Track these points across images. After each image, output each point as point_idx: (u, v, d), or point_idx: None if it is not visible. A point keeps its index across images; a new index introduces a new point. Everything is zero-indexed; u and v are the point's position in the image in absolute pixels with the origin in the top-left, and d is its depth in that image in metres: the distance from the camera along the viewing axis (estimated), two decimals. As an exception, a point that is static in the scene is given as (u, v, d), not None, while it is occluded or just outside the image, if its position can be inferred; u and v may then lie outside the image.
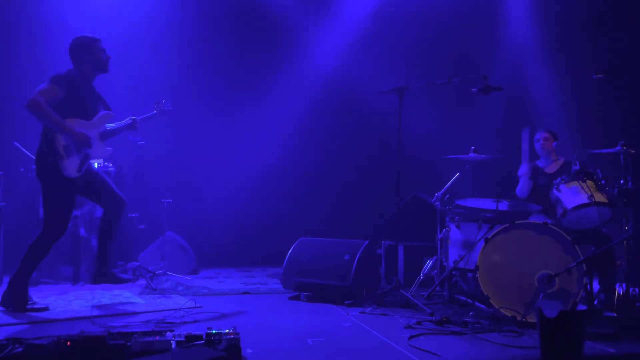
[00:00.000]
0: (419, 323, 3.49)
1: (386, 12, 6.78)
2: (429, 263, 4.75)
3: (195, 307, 3.84)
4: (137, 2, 6.24)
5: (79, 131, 3.72)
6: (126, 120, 4.20)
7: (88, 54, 3.89)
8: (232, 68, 6.56)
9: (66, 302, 4.12)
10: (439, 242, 4.58)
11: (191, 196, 6.34)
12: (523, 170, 4.67)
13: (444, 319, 3.49)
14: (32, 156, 4.85)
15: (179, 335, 2.66)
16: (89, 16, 5.87)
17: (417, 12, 6.70)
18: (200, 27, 6.42)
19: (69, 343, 2.51)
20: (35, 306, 3.70)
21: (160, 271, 5.32)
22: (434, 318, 3.57)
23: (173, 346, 2.58)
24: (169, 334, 2.70)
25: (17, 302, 3.65)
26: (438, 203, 4.64)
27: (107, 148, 4.02)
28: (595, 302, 3.50)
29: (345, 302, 4.11)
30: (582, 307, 3.29)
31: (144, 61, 5.66)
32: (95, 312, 3.73)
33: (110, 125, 4.08)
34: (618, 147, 3.76)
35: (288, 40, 6.72)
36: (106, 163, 5.31)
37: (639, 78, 3.77)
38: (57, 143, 3.68)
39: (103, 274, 4.02)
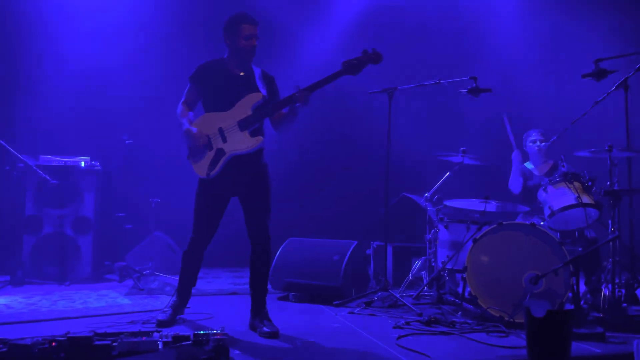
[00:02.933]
0: (407, 323, 3.50)
1: (376, 13, 6.80)
2: (417, 263, 4.76)
3: (182, 308, 3.81)
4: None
5: (193, 132, 3.31)
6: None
7: (229, 38, 3.40)
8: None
9: (51, 302, 4.07)
10: (427, 242, 4.60)
11: (180, 196, 6.28)
12: (517, 157, 4.70)
13: (432, 319, 3.50)
14: (18, 154, 4.81)
15: (166, 336, 2.64)
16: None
17: (408, 14, 6.72)
18: (179, 26, 6.34)
19: (54, 343, 2.48)
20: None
21: (148, 271, 5.28)
22: (422, 318, 3.57)
23: (160, 347, 2.55)
24: (155, 334, 2.67)
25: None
26: (427, 204, 4.65)
27: (253, 138, 3.30)
28: (582, 303, 3.53)
29: (334, 303, 4.11)
30: (569, 307, 3.33)
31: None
32: (81, 313, 3.69)
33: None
34: (605, 149, 3.80)
35: (274, 39, 6.69)
36: (93, 162, 5.27)
37: (627, 80, 3.79)
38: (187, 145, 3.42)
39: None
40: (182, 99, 3.49)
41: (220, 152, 3.31)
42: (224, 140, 3.32)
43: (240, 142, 3.30)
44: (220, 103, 3.36)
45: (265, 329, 3.20)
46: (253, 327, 3.31)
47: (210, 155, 3.33)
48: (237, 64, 3.42)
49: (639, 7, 6.15)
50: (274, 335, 3.16)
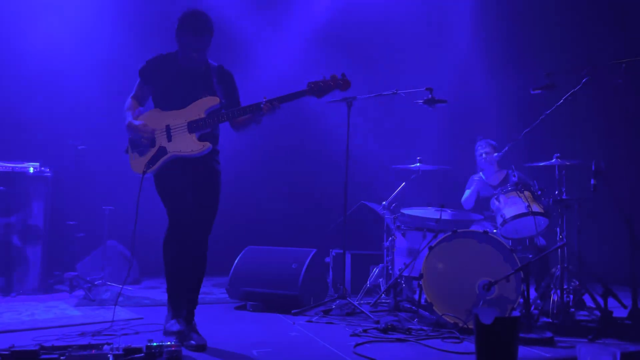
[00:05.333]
0: (365, 331, 3.52)
1: (334, 24, 6.87)
2: (375, 271, 4.80)
3: (135, 319, 3.71)
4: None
5: (136, 124, 3.11)
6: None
7: (178, 44, 3.19)
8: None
9: (-4, 314, 3.89)
10: (385, 250, 4.65)
11: (135, 203, 6.13)
12: (480, 182, 4.87)
13: (389, 327, 3.54)
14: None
15: (117, 349, 2.56)
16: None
17: (366, 25, 6.83)
18: (133, 29, 6.20)
19: (-4, 359, 2.37)
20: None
21: (100, 281, 5.11)
22: (379, 326, 3.60)
23: (111, 360, 2.48)
24: (106, 347, 2.59)
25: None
26: (385, 212, 4.71)
27: (200, 142, 3.12)
28: (532, 309, 3.64)
29: (293, 311, 4.09)
30: (516, 313, 3.42)
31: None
32: (28, 325, 3.53)
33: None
34: (553, 160, 3.95)
35: (234, 47, 6.64)
36: (43, 168, 5.08)
37: (574, 94, 3.96)
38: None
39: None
40: (132, 93, 3.30)
41: (161, 151, 3.12)
42: (169, 139, 3.13)
43: (185, 145, 3.11)
44: (172, 101, 3.17)
45: (192, 342, 3.03)
46: (180, 340, 3.06)
47: (151, 152, 3.14)
48: (190, 60, 3.20)
49: (591, 23, 6.46)
50: (201, 348, 3.00)
